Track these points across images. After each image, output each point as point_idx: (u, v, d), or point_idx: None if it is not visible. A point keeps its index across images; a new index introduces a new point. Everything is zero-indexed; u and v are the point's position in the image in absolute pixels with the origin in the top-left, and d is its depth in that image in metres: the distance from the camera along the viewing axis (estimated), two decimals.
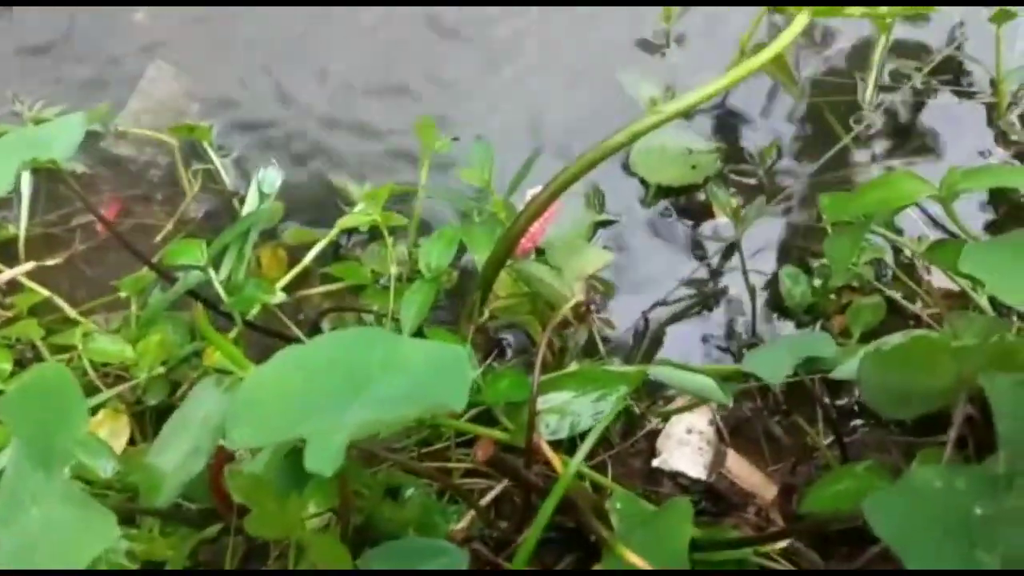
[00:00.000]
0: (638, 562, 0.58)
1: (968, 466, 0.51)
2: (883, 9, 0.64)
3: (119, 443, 0.77)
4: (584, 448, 0.60)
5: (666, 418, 0.84)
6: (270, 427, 0.47)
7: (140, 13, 1.10)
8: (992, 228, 0.93)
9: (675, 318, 0.91)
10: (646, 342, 0.89)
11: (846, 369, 0.65)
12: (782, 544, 0.73)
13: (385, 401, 0.48)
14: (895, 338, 0.65)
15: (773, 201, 0.94)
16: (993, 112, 0.98)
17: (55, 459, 0.49)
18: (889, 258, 0.90)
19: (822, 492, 0.69)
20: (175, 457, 0.63)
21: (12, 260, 0.94)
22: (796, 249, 0.93)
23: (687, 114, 0.94)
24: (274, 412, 0.48)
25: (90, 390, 0.79)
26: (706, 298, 0.91)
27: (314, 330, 0.89)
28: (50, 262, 0.87)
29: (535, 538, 0.58)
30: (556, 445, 0.73)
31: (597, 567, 0.68)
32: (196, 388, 0.67)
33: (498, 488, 0.75)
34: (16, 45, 1.09)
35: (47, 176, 1.01)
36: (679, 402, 0.85)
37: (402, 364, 0.51)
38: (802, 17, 0.62)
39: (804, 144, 0.98)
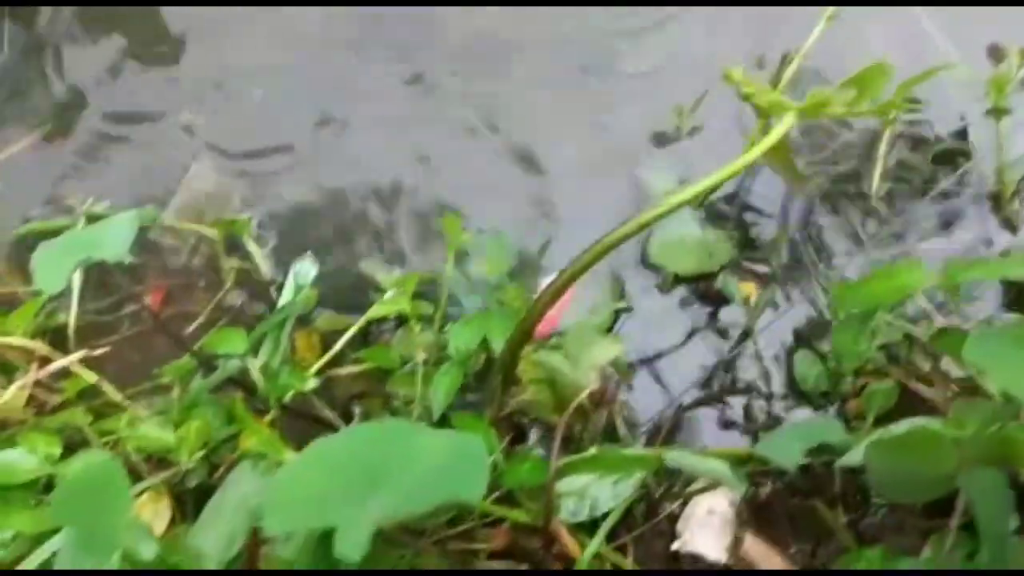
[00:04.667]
0: None
1: (950, 559, 0.53)
2: (866, 106, 0.69)
3: (161, 524, 0.81)
4: (599, 536, 0.63)
5: (687, 499, 0.86)
6: (300, 516, 0.51)
7: (186, 113, 1.17)
8: (1007, 308, 0.95)
9: (695, 402, 0.94)
10: (667, 425, 0.92)
11: (854, 456, 0.68)
12: None
13: (404, 494, 0.52)
14: (901, 426, 0.67)
15: (787, 287, 0.97)
16: (998, 201, 1.01)
17: (104, 547, 0.53)
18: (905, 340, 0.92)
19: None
20: (214, 538, 0.67)
21: (62, 346, 0.99)
22: (812, 333, 0.96)
23: (693, 203, 0.98)
24: (303, 503, 0.51)
25: (134, 474, 0.83)
26: (724, 382, 0.94)
27: (345, 413, 0.93)
28: (98, 352, 0.92)
29: None
30: (578, 527, 0.76)
31: None
32: (234, 472, 0.71)
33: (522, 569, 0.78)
34: (69, 142, 1.16)
35: (97, 266, 1.07)
36: (700, 483, 0.87)
37: (420, 457, 0.54)
38: (789, 118, 0.67)
39: (816, 232, 1.02)
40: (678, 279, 0.99)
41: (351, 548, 0.47)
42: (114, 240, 0.74)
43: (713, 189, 0.75)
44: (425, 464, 0.54)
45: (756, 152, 0.71)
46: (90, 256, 0.72)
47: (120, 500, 0.52)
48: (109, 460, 0.53)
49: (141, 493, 0.81)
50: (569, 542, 0.63)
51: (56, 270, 0.71)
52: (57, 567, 0.55)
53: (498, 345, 0.78)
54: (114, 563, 0.51)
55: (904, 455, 0.63)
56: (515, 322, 0.77)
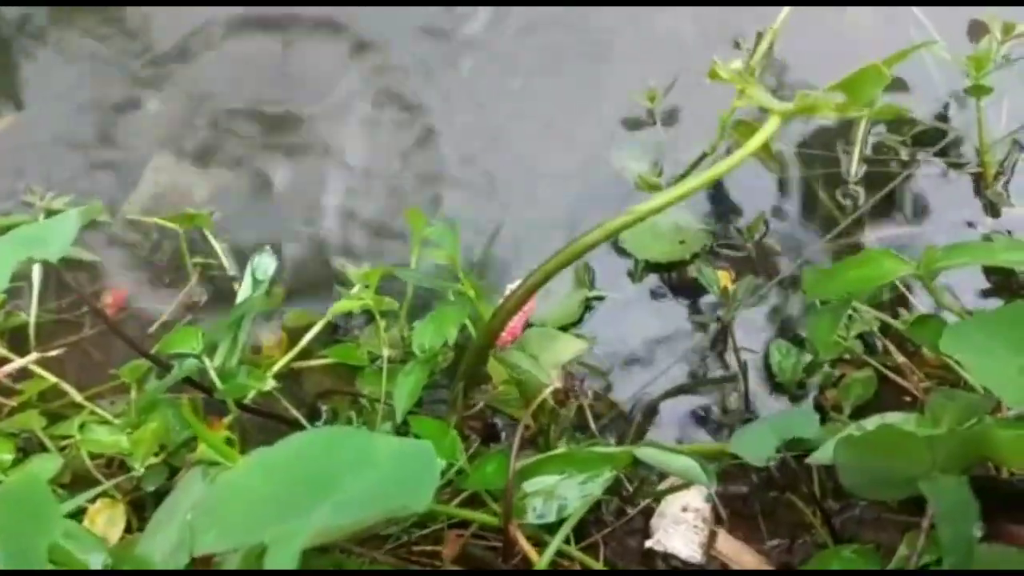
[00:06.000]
0: None
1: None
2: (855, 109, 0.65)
3: (115, 531, 0.78)
4: (557, 538, 0.61)
5: (661, 496, 0.84)
6: (235, 532, 0.48)
7: (151, 103, 1.14)
8: (986, 296, 0.93)
9: (670, 394, 0.91)
10: (640, 419, 0.90)
11: (825, 452, 0.65)
12: None
13: (348, 504, 0.49)
14: (872, 422, 0.64)
15: (763, 275, 0.95)
16: (980, 182, 0.98)
17: (32, 565, 0.50)
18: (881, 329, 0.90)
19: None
20: (163, 548, 0.65)
21: (23, 346, 0.96)
22: (788, 322, 0.94)
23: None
24: (240, 517, 0.49)
25: (89, 480, 0.81)
26: (700, 374, 0.92)
27: (311, 412, 0.91)
28: (55, 352, 0.89)
29: None
30: (546, 528, 0.74)
31: None
32: (184, 478, 0.69)
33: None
34: (30, 137, 1.14)
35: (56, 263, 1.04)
36: (673, 480, 0.85)
37: (368, 465, 0.52)
38: (774, 120, 0.64)
39: (792, 218, 0.99)
40: (649, 266, 0.96)
41: (283, 565, 0.44)
42: (57, 238, 0.72)
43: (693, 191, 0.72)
44: (372, 472, 0.52)
45: (742, 154, 0.67)
46: (32, 255, 0.70)
47: (47, 518, 0.49)
48: (35, 477, 0.50)
49: (95, 499, 0.78)
50: (525, 545, 0.61)
51: None
52: None
53: (452, 335, 0.76)
54: None
55: (874, 454, 0.60)
56: (467, 312, 0.75)
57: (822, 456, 0.65)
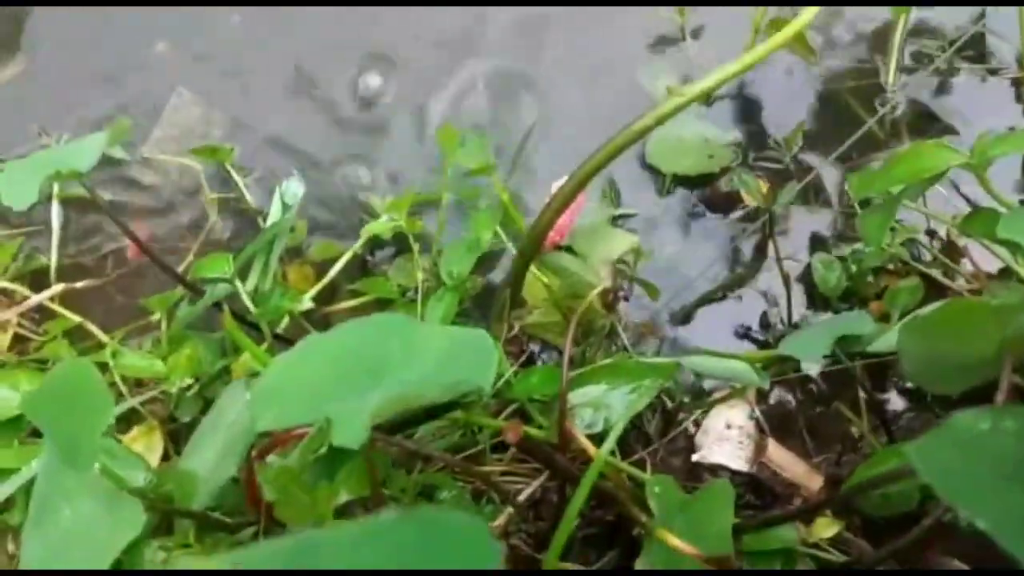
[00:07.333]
0: (681, 546, 0.56)
1: (1016, 407, 0.49)
2: None
3: (153, 458, 0.77)
4: (616, 431, 0.59)
5: (701, 419, 0.82)
6: (294, 410, 0.46)
7: (161, 44, 1.12)
8: None
9: (708, 311, 0.89)
10: (678, 336, 0.88)
11: (885, 342, 0.63)
12: (831, 532, 0.71)
13: (409, 383, 0.47)
14: (930, 309, 0.62)
15: (801, 186, 0.92)
16: (1020, 89, 0.96)
17: (83, 456, 0.48)
18: (924, 239, 0.88)
19: (867, 473, 0.67)
20: (207, 460, 0.63)
21: (44, 289, 0.95)
22: (829, 235, 0.92)
23: (709, 97, 0.93)
24: (298, 396, 0.47)
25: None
26: (739, 289, 0.90)
27: None
28: (80, 285, 0.87)
29: (569, 526, 0.56)
30: (592, 440, 0.72)
31: (639, 559, 0.66)
32: (225, 391, 0.67)
33: (535, 484, 0.74)
34: (41, 81, 1.11)
35: (77, 207, 1.02)
36: (716, 396, 0.83)
37: (423, 348, 0.50)
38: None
39: (828, 129, 0.96)
40: (678, 180, 0.94)
41: (351, 435, 0.43)
42: (85, 155, 0.69)
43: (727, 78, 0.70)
44: (429, 354, 0.50)
45: (779, 39, 0.65)
46: (59, 171, 0.68)
47: (99, 405, 0.47)
48: (84, 364, 0.48)
49: (132, 425, 0.77)
50: (584, 441, 0.59)
51: (23, 186, 0.67)
52: (38, 483, 0.51)
53: (485, 240, 0.74)
54: (95, 472, 0.47)
55: (940, 336, 0.58)
56: (499, 215, 0.73)
57: (882, 345, 0.64)
